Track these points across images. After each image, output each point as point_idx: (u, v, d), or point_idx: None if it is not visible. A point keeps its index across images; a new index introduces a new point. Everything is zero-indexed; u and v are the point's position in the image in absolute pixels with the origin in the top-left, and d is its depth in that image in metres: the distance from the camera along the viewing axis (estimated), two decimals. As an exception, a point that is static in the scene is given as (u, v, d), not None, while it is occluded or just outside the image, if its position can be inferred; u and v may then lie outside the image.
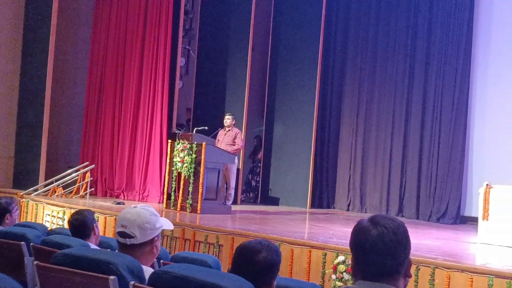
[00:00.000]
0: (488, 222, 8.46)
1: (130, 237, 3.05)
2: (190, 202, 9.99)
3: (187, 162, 10.01)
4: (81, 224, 4.37)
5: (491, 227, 8.43)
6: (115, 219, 8.85)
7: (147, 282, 2.78)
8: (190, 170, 10.00)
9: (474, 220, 10.07)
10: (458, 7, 11.82)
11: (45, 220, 10.31)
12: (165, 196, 10.68)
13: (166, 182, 10.70)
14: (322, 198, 13.30)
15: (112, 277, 2.77)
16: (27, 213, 10.84)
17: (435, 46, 12.10)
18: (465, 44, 11.69)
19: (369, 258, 2.10)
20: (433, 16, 12.17)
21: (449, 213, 11.53)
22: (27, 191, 11.38)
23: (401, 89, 12.45)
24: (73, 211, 9.75)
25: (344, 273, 6.80)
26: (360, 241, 2.13)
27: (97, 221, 6.41)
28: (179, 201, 10.19)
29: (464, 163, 11.58)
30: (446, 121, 11.80)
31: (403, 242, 2.12)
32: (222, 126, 11.41)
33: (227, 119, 11.29)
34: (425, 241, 8.49)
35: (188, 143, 10.10)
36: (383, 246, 2.09)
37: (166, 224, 3.24)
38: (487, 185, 8.59)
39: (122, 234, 3.07)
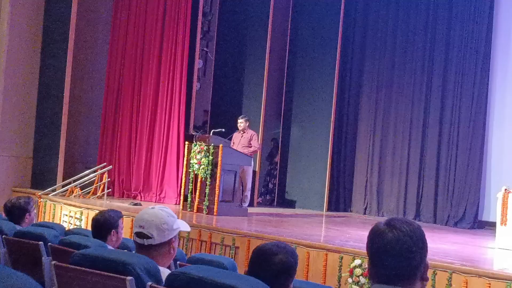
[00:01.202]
0: (506, 227, 8.39)
1: (148, 237, 3.06)
2: (207, 203, 10.01)
3: (204, 164, 10.03)
4: (97, 225, 4.35)
5: (509, 232, 8.36)
6: (132, 220, 8.89)
7: (164, 283, 2.78)
8: (206, 172, 10.02)
9: (492, 225, 9.99)
10: (477, 11, 11.75)
11: (63, 220, 10.37)
12: (181, 198, 10.71)
13: (183, 184, 10.73)
14: (339, 201, 13.26)
15: (129, 277, 2.79)
16: (45, 213, 10.92)
17: (454, 48, 12.03)
18: (484, 46, 11.62)
19: (385, 261, 2.09)
20: (452, 20, 12.11)
21: (466, 217, 11.45)
22: (45, 191, 11.45)
23: (419, 92, 12.39)
24: (90, 211, 9.86)
25: (361, 277, 6.78)
26: (376, 244, 2.12)
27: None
28: (196, 202, 10.21)
29: (482, 167, 11.49)
30: (464, 125, 11.72)
31: (419, 246, 2.11)
32: (237, 128, 11.39)
33: (240, 123, 11.26)
34: (442, 245, 8.44)
35: (205, 145, 10.12)
36: (399, 249, 2.08)
37: (183, 226, 3.25)
38: (505, 189, 8.53)
39: (139, 235, 3.08)
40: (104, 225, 4.32)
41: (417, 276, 2.11)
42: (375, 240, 2.13)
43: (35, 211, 5.57)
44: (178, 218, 3.23)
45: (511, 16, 11.60)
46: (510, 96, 11.43)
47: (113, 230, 4.32)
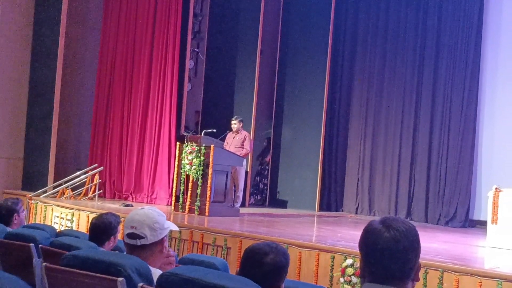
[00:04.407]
0: (497, 225, 8.41)
1: (141, 237, 3.06)
2: (198, 204, 9.99)
3: (195, 165, 10.02)
4: (97, 230, 4.30)
5: (500, 230, 8.39)
6: (124, 221, 8.87)
7: (155, 284, 2.78)
8: (198, 173, 10.01)
9: (483, 224, 10.03)
10: (467, 10, 11.79)
11: (54, 222, 10.33)
12: (173, 199, 10.69)
13: (174, 185, 10.71)
14: (330, 201, 13.28)
15: (120, 278, 2.78)
16: (35, 214, 10.87)
17: (444, 48, 12.07)
18: (474, 46, 11.66)
19: (380, 261, 2.08)
20: (442, 21, 12.14)
21: (458, 216, 11.49)
22: (36, 192, 11.41)
23: (410, 92, 12.43)
24: (81, 213, 9.83)
25: (353, 276, 6.79)
26: (372, 243, 2.10)
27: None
28: (187, 203, 10.19)
29: (473, 166, 11.54)
30: (455, 124, 11.76)
31: (415, 246, 2.10)
32: (230, 128, 11.40)
33: (234, 124, 11.24)
34: (433, 244, 8.46)
35: (197, 146, 10.11)
36: (396, 249, 2.07)
37: (172, 225, 3.25)
38: (496, 188, 8.55)
39: (131, 236, 3.08)
40: (104, 232, 4.27)
41: (410, 276, 2.10)
42: (371, 239, 2.11)
43: (24, 212, 5.53)
44: (169, 219, 3.23)
45: (500, 16, 11.65)
46: (500, 95, 11.48)
47: (112, 237, 4.30)
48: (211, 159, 9.90)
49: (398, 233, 2.08)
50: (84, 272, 2.90)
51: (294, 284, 3.28)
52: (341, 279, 6.90)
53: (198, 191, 10.01)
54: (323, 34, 13.22)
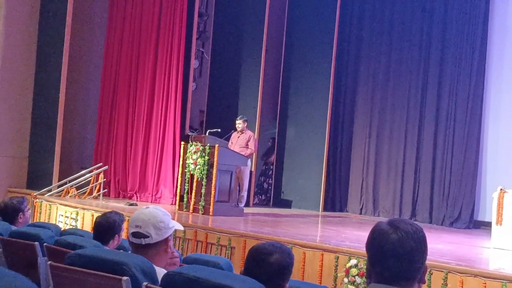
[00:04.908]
0: (501, 226, 8.40)
1: (145, 236, 3.07)
2: (203, 204, 10.00)
3: (200, 164, 10.02)
4: (101, 229, 4.31)
5: (505, 231, 8.37)
6: (128, 220, 8.87)
7: (159, 283, 2.78)
8: (202, 172, 10.01)
9: (487, 225, 10.01)
10: (473, 10, 11.77)
11: (58, 221, 10.36)
12: (177, 198, 10.70)
13: (179, 184, 10.71)
14: (335, 201, 13.26)
15: (125, 277, 2.78)
16: (40, 213, 10.90)
17: (450, 49, 12.06)
18: (480, 47, 11.64)
19: (387, 262, 2.08)
20: (448, 22, 12.12)
21: (462, 217, 11.47)
22: (40, 191, 11.43)
23: (415, 93, 12.41)
24: (86, 212, 9.84)
25: (357, 277, 6.79)
26: (379, 244, 2.11)
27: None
28: (192, 203, 10.20)
29: (478, 167, 11.52)
30: (460, 125, 11.74)
31: (422, 248, 2.10)
32: (235, 128, 11.40)
33: (239, 124, 11.25)
34: (438, 245, 8.45)
35: (201, 145, 10.11)
36: (403, 251, 2.07)
37: (176, 225, 3.25)
38: (501, 189, 8.53)
39: (136, 235, 3.08)
40: (108, 230, 4.28)
41: (417, 278, 2.10)
42: (378, 240, 2.11)
43: (29, 211, 5.53)
44: (174, 218, 3.23)
45: (506, 16, 11.62)
46: (505, 96, 11.45)
47: (116, 235, 4.31)
48: (215, 159, 9.90)
49: (405, 234, 2.08)
50: (89, 271, 2.90)
51: (298, 284, 3.29)
52: (345, 280, 6.90)
53: (203, 190, 10.02)
54: (328, 34, 13.21)
